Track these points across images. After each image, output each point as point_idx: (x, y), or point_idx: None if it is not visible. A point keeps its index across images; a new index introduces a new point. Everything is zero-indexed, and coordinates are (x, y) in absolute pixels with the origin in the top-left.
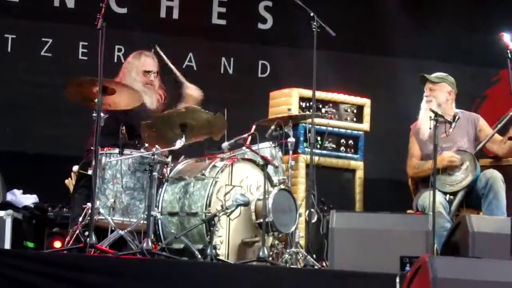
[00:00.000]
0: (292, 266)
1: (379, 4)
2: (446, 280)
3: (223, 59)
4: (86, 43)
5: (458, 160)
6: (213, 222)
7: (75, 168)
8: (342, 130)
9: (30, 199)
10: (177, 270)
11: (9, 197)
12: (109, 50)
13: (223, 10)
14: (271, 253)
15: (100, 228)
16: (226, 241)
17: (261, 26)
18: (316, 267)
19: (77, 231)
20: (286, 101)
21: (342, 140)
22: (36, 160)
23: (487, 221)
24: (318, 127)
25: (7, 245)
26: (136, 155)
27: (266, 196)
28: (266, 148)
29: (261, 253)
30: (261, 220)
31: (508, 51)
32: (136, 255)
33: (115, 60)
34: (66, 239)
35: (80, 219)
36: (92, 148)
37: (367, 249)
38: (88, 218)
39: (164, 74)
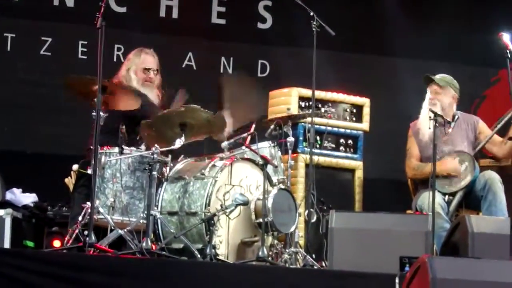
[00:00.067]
0: (291, 266)
1: (379, 4)
2: (446, 280)
3: (223, 58)
4: (86, 42)
5: (460, 171)
6: (212, 221)
7: (75, 167)
8: (342, 130)
9: (29, 198)
10: (176, 269)
11: (9, 196)
12: (109, 49)
13: (223, 9)
14: (270, 253)
15: (100, 227)
16: (225, 240)
17: (260, 25)
18: (315, 267)
19: (77, 230)
20: (286, 100)
21: (342, 140)
22: (36, 159)
23: (486, 221)
24: (317, 126)
25: (7, 244)
26: (135, 154)
27: (266, 195)
28: (266, 148)
29: (260, 253)
30: (261, 220)
31: (508, 51)
32: (135, 254)
33: (115, 59)
34: (66, 238)
35: (80, 218)
36: (92, 147)
37: (367, 249)
38: (88, 217)
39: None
